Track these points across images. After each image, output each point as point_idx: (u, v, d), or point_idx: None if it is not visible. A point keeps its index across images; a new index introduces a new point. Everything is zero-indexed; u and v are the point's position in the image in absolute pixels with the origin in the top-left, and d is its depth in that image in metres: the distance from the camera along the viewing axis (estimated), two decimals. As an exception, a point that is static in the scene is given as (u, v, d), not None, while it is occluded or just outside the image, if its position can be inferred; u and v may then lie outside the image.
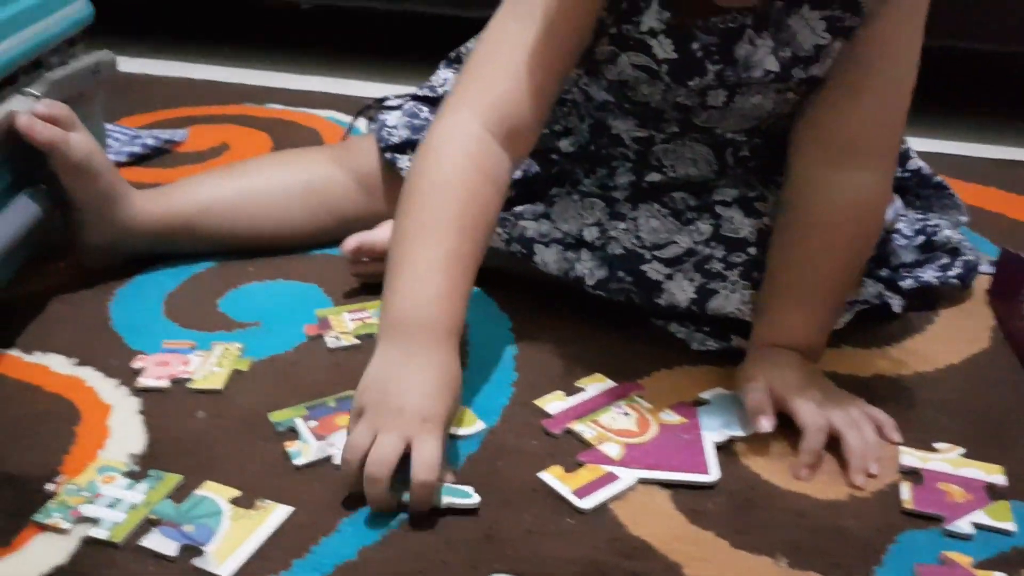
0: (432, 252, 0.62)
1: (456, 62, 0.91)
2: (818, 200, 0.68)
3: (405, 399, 0.57)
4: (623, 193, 0.77)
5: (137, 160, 1.07)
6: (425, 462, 0.55)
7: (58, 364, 0.71)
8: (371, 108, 0.93)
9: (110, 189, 0.78)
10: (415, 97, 0.91)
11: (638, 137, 0.76)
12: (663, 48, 0.69)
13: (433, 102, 0.89)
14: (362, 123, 0.98)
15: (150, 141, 1.10)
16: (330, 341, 0.74)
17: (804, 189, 0.69)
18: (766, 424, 0.62)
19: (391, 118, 0.88)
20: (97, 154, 0.77)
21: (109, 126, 1.04)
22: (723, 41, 0.68)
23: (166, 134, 1.12)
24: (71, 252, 0.83)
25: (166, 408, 0.66)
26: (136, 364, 0.71)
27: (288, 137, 1.15)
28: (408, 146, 0.86)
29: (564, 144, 0.81)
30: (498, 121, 0.66)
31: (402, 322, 0.61)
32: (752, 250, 0.72)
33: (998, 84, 1.39)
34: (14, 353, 0.73)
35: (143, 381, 0.69)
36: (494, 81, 0.67)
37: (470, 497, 0.57)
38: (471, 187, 0.64)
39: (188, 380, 0.69)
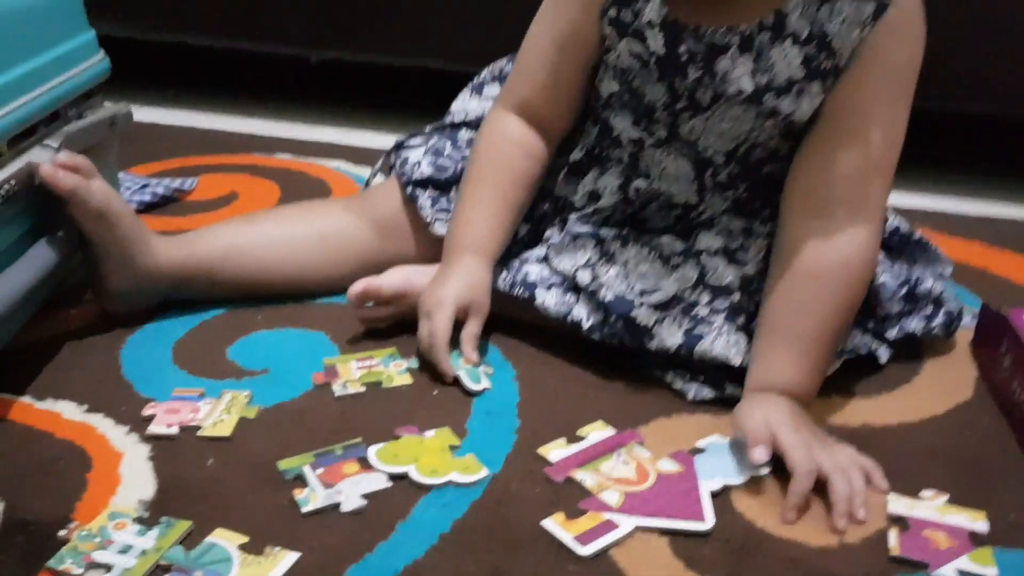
0: (478, 196, 0.82)
1: (479, 89, 0.96)
2: (808, 251, 0.72)
3: (433, 296, 0.78)
4: (611, 200, 0.82)
5: (147, 208, 1.10)
6: (431, 329, 0.77)
7: (70, 411, 0.73)
8: (388, 155, 0.96)
9: (131, 234, 0.81)
10: (438, 128, 0.94)
11: (633, 138, 0.81)
12: (656, 41, 0.75)
13: (455, 128, 0.94)
14: (377, 178, 1.01)
15: (160, 190, 1.13)
16: (337, 389, 0.76)
17: (795, 240, 0.73)
18: (762, 454, 0.64)
19: (413, 155, 0.92)
20: (116, 200, 0.80)
21: (120, 174, 1.07)
22: (708, 52, 0.74)
23: (176, 182, 1.15)
24: (95, 297, 0.85)
25: (176, 455, 0.68)
26: (147, 412, 0.73)
27: (296, 187, 1.18)
28: (429, 183, 0.89)
29: (575, 154, 0.86)
30: (529, 116, 0.83)
31: (449, 247, 0.82)
32: (736, 296, 0.76)
33: (983, 144, 1.43)
34: (26, 399, 0.75)
35: (154, 428, 0.71)
36: (523, 84, 0.83)
37: (479, 383, 0.76)
38: (511, 156, 0.83)
39: (198, 428, 0.71)
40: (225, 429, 0.71)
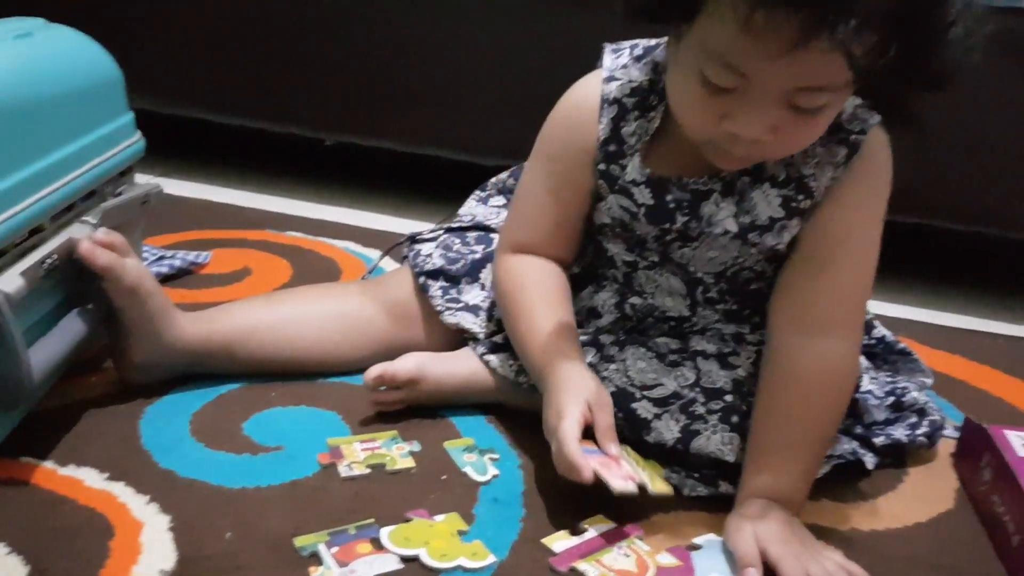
0: (537, 319, 0.82)
1: (485, 201, 1.02)
2: (792, 365, 0.76)
3: (551, 412, 0.76)
4: (610, 318, 0.87)
5: (163, 280, 1.13)
6: (560, 442, 0.72)
7: (91, 478, 0.76)
8: (400, 245, 1.01)
9: (158, 309, 0.85)
10: (448, 229, 1.00)
11: (627, 260, 0.85)
12: (643, 195, 0.80)
13: (464, 231, 0.99)
14: (385, 261, 1.06)
15: (176, 262, 1.17)
16: (343, 470, 0.79)
17: (780, 355, 0.78)
18: (754, 575, 0.68)
19: (426, 248, 0.97)
20: (147, 278, 0.84)
21: (140, 246, 1.11)
22: (693, 199, 0.79)
23: (191, 255, 1.19)
24: (117, 367, 0.88)
25: (195, 527, 0.71)
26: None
27: (307, 265, 1.22)
28: (440, 274, 0.94)
29: (572, 269, 0.90)
30: (535, 254, 0.85)
31: (541, 374, 0.80)
32: (728, 397, 0.80)
33: (967, 260, 1.50)
34: (49, 465, 0.77)
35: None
36: (524, 231, 0.86)
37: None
38: (542, 277, 0.85)
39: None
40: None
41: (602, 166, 0.81)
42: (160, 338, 0.85)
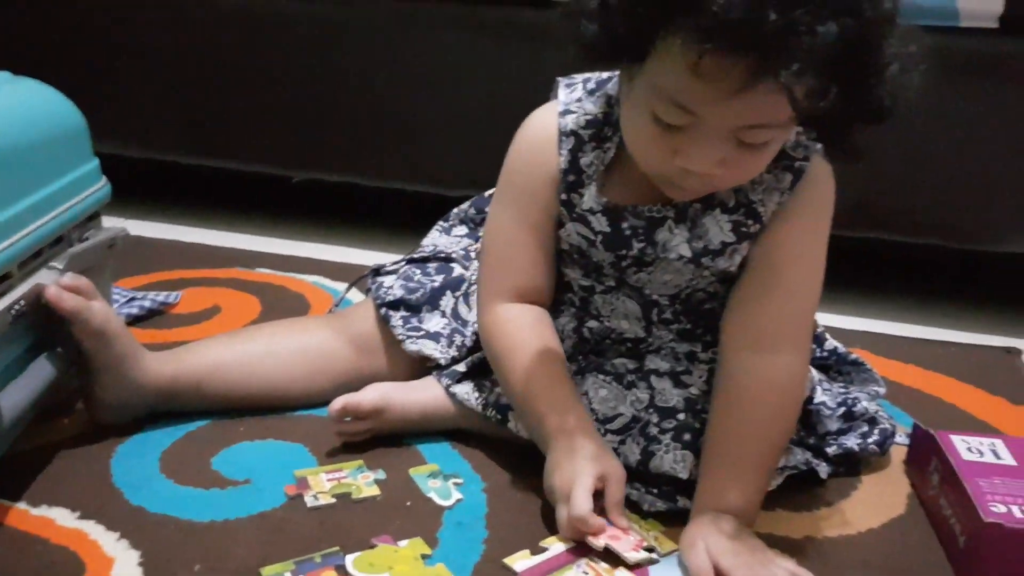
0: (540, 381, 0.83)
1: (448, 231, 1.05)
2: (743, 381, 0.79)
3: (555, 481, 0.76)
4: (570, 342, 0.90)
5: (134, 321, 1.16)
6: (573, 506, 0.73)
7: (63, 518, 0.77)
8: (365, 277, 1.04)
9: (126, 351, 0.87)
10: (409, 260, 1.02)
11: (583, 286, 0.88)
12: (600, 223, 0.83)
13: (425, 261, 1.02)
14: (352, 293, 1.08)
15: (147, 303, 1.19)
16: (309, 500, 0.81)
17: (731, 371, 0.80)
18: None
19: (388, 280, 0.99)
20: (114, 320, 0.86)
21: (110, 288, 1.13)
22: (648, 226, 0.82)
23: (161, 296, 1.21)
24: (87, 408, 0.90)
25: (166, 560, 0.73)
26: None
27: (276, 301, 1.25)
28: (401, 304, 0.97)
29: None
30: (519, 296, 0.87)
31: (546, 440, 0.80)
32: (681, 416, 0.83)
33: (920, 271, 1.54)
34: (22, 506, 0.79)
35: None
36: (506, 274, 0.87)
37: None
38: (536, 333, 0.86)
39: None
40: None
41: (563, 195, 0.84)
42: (129, 378, 0.87)
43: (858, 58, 0.65)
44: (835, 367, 0.99)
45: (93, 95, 1.49)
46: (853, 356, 0.99)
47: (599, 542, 0.74)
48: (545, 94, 0.89)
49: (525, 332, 0.86)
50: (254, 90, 1.49)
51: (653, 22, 0.66)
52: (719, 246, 0.82)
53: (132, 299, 1.19)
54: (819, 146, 0.81)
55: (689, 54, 0.64)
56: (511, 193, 0.87)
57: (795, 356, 0.81)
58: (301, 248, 1.50)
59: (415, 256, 1.03)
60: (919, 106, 1.24)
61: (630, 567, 0.73)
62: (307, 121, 1.48)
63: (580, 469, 0.75)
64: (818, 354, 0.97)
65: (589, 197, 0.83)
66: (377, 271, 1.03)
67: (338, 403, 0.87)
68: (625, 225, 0.83)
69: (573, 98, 0.85)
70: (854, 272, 1.49)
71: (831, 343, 0.99)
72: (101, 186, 0.99)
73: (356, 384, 0.92)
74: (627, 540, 0.75)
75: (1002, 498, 0.76)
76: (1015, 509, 0.74)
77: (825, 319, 1.22)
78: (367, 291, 1.03)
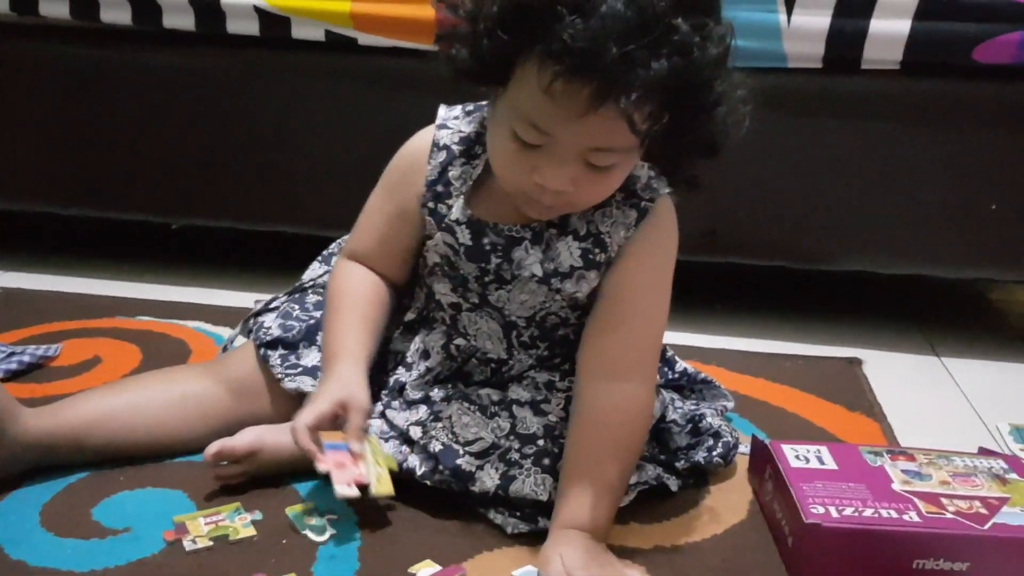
0: (341, 318, 0.94)
1: (327, 260, 1.10)
2: (595, 408, 0.87)
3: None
4: (438, 359, 0.96)
5: (13, 376, 1.16)
6: (293, 428, 0.85)
7: (-58, 576, 0.79)
8: (250, 318, 1.08)
9: (3, 410, 0.88)
10: (289, 292, 1.07)
11: (451, 303, 0.95)
12: (464, 235, 0.90)
13: (304, 292, 1.07)
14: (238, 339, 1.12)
15: (26, 357, 1.19)
16: (188, 544, 0.84)
17: (585, 399, 0.88)
18: None
19: (268, 319, 1.03)
20: (-13, 382, 0.88)
21: (-14, 345, 1.14)
22: (507, 243, 0.90)
23: (40, 349, 1.22)
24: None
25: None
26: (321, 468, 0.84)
27: (157, 349, 1.27)
28: (279, 343, 1.00)
29: (409, 315, 1.00)
30: (368, 267, 0.96)
31: (324, 366, 0.92)
32: (540, 442, 0.90)
33: (767, 291, 1.65)
34: (-101, 569, 0.80)
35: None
36: (361, 243, 0.97)
37: (323, 534, 0.83)
38: (363, 285, 0.96)
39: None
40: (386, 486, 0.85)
41: (431, 204, 0.91)
42: (7, 437, 0.89)
43: (688, 93, 0.75)
44: (687, 387, 1.07)
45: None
46: (703, 375, 1.07)
47: (322, 466, 0.83)
48: (408, 134, 0.95)
49: (355, 283, 0.96)
50: (130, 139, 1.51)
51: (514, 48, 0.75)
52: (568, 269, 0.89)
53: (11, 354, 1.20)
54: (666, 190, 0.90)
55: (543, 77, 0.73)
56: (384, 189, 0.96)
57: (642, 385, 0.89)
58: (182, 293, 1.52)
59: (295, 288, 1.07)
60: (757, 140, 1.37)
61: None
62: (183, 168, 1.51)
63: (322, 392, 0.87)
64: (670, 376, 1.05)
65: (456, 209, 0.90)
66: (258, 312, 1.06)
67: (212, 448, 0.91)
68: (486, 240, 0.90)
69: (451, 116, 0.93)
70: (709, 293, 1.60)
71: (681, 365, 1.07)
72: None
73: (237, 428, 0.95)
74: (348, 472, 0.83)
75: (822, 500, 0.85)
76: (832, 510, 0.83)
77: (682, 338, 1.32)
78: (248, 331, 1.07)
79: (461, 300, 0.95)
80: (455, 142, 0.92)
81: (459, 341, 0.96)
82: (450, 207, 0.91)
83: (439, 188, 0.91)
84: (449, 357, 0.97)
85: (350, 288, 0.96)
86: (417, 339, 0.99)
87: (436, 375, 0.96)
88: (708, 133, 0.79)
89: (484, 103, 0.93)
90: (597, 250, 0.89)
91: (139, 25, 1.42)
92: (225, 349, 1.12)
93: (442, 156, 0.91)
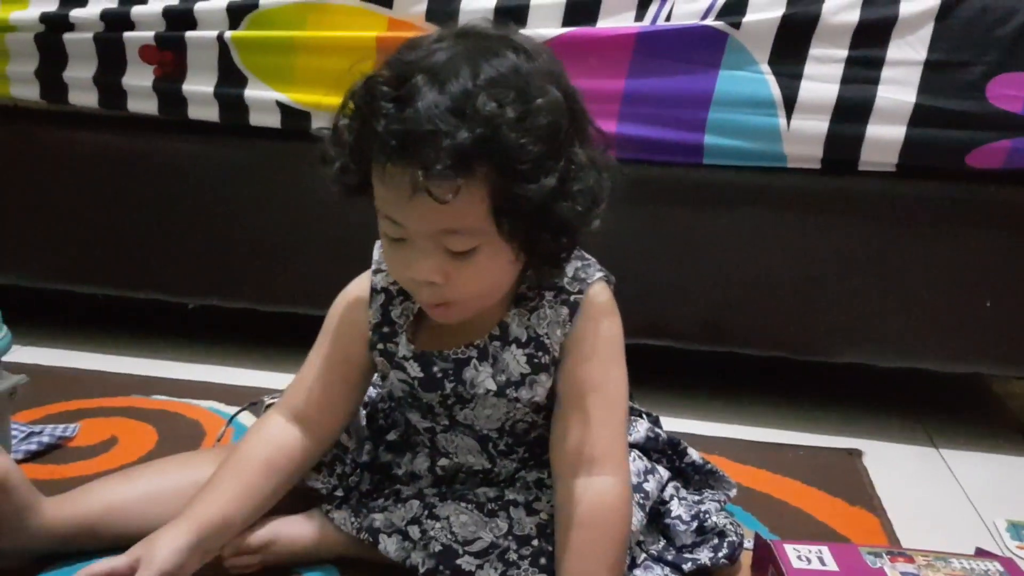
0: (217, 477, 0.92)
1: None
2: (570, 504, 0.88)
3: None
4: (427, 480, 0.99)
5: (31, 457, 1.19)
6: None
7: (-37, 665, 0.81)
8: (251, 406, 1.11)
9: (24, 501, 0.91)
10: None
11: (426, 427, 0.98)
12: (414, 369, 0.94)
13: None
14: (247, 419, 1.14)
15: (45, 438, 1.22)
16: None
17: (562, 497, 0.90)
18: None
19: None
20: (14, 472, 0.90)
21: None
22: (456, 367, 0.93)
23: (59, 429, 1.25)
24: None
25: None
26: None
27: (172, 429, 1.29)
28: None
29: (391, 436, 1.03)
30: (295, 417, 0.96)
31: None
32: (535, 542, 0.92)
33: (772, 381, 1.67)
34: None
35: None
36: (298, 396, 0.97)
37: None
38: (263, 451, 0.94)
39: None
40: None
41: (380, 346, 0.95)
42: (26, 526, 0.91)
43: (502, 163, 0.77)
44: (691, 475, 1.10)
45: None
46: (709, 466, 1.09)
47: None
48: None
49: (255, 446, 0.95)
50: (151, 222, 1.55)
51: (365, 152, 0.81)
52: (519, 378, 0.92)
53: (31, 434, 1.22)
54: (595, 277, 0.92)
55: (378, 170, 0.79)
56: (324, 335, 0.98)
57: (613, 475, 0.89)
58: (197, 371, 1.55)
59: None
60: (758, 235, 1.41)
61: None
62: (203, 250, 1.55)
63: (128, 552, 0.86)
64: (677, 464, 1.07)
65: (402, 346, 0.94)
66: (266, 402, 1.09)
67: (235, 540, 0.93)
68: (435, 369, 0.93)
69: (383, 257, 0.95)
70: (713, 381, 1.62)
71: (691, 456, 1.08)
72: (2, 336, 1.04)
73: (250, 516, 0.98)
74: None
75: (823, 602, 0.87)
76: (832, 612, 0.85)
77: (685, 426, 1.35)
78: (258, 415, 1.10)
79: (433, 424, 0.98)
80: (391, 282, 0.95)
81: (443, 462, 0.99)
82: (397, 345, 0.95)
83: (385, 329, 0.95)
84: (437, 477, 1.00)
85: (251, 449, 0.95)
86: (404, 460, 1.02)
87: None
88: (548, 209, 0.80)
89: None
90: (541, 353, 0.92)
91: (165, 116, 1.48)
92: (222, 435, 1.14)
93: (381, 298, 0.95)
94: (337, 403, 0.98)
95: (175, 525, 0.87)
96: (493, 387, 0.92)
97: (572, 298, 0.92)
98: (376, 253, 0.98)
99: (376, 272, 0.97)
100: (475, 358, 0.93)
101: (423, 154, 0.75)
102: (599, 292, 0.93)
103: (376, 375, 1.00)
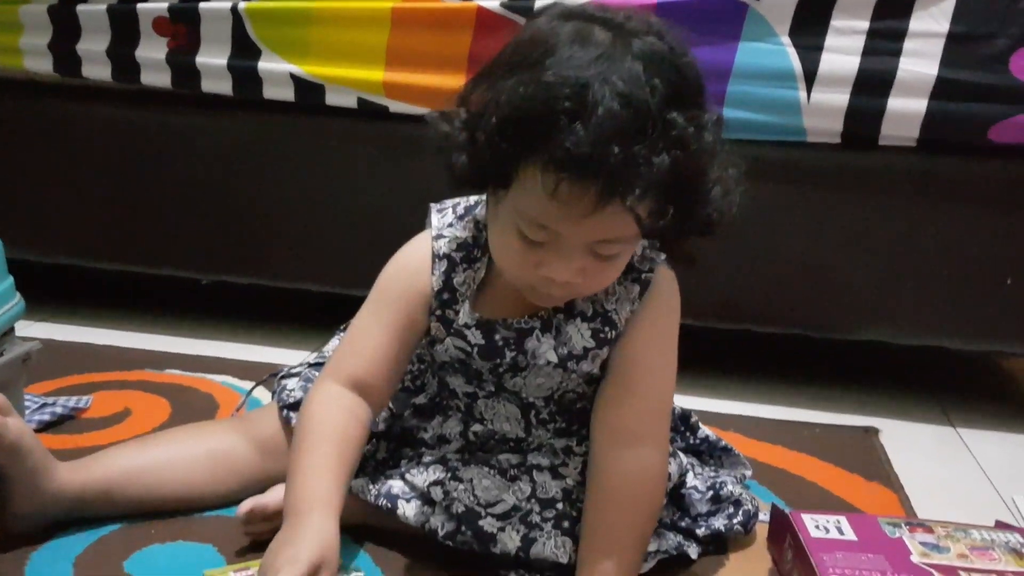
0: (317, 459, 0.87)
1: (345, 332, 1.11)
2: (611, 475, 0.89)
3: (283, 556, 0.78)
4: (457, 444, 0.97)
5: (45, 427, 1.19)
6: None
7: (-23, 627, 0.81)
8: (269, 379, 1.10)
9: (38, 465, 0.91)
10: (310, 364, 1.09)
11: (467, 392, 0.97)
12: (475, 336, 0.92)
13: (326, 361, 1.06)
14: (261, 393, 1.14)
15: (58, 409, 1.22)
16: (218, 599, 0.86)
17: (601, 466, 0.90)
18: None
19: (290, 383, 1.06)
20: (28, 435, 0.90)
21: (20, 395, 1.16)
22: (518, 336, 0.92)
23: (72, 401, 1.25)
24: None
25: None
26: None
27: (186, 403, 1.29)
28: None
29: (419, 399, 1.02)
30: (354, 386, 0.92)
31: (293, 508, 0.84)
32: (560, 505, 0.92)
33: (788, 358, 1.67)
34: (-65, 618, 0.82)
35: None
36: (355, 363, 0.93)
37: None
38: (344, 423, 0.90)
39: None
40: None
41: (439, 312, 0.94)
42: (41, 490, 0.91)
43: (687, 183, 0.78)
44: (707, 452, 1.09)
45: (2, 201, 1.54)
46: (723, 443, 1.09)
47: None
48: (435, 198, 0.99)
49: (329, 417, 0.90)
50: (164, 197, 1.55)
51: (515, 155, 0.78)
52: (581, 351, 0.92)
53: (44, 405, 1.22)
54: (662, 257, 0.93)
55: (547, 182, 0.76)
56: (381, 301, 0.95)
57: (655, 450, 0.91)
58: (210, 347, 1.55)
59: (314, 361, 1.10)
60: (776, 211, 1.40)
61: None
62: (214, 225, 1.55)
63: (300, 553, 0.78)
64: (692, 441, 1.07)
65: (464, 313, 0.93)
66: (280, 375, 1.09)
67: (246, 505, 0.93)
68: (498, 337, 0.93)
69: (445, 223, 0.96)
70: (729, 359, 1.61)
71: (703, 431, 1.09)
72: (15, 303, 1.04)
73: (263, 485, 0.98)
74: None
75: (842, 571, 0.86)
76: (852, 580, 0.85)
77: (700, 404, 1.34)
78: (273, 393, 1.10)
79: (477, 390, 0.97)
80: (454, 249, 0.94)
81: (476, 427, 0.98)
82: (457, 312, 0.93)
83: (445, 296, 0.93)
84: (468, 443, 0.99)
85: (329, 420, 0.90)
86: (434, 423, 1.01)
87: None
88: (705, 215, 0.82)
89: (472, 203, 0.97)
90: (607, 328, 0.91)
91: (178, 89, 1.47)
92: (240, 408, 1.14)
93: (444, 265, 0.94)
94: (397, 369, 0.95)
95: (323, 516, 0.82)
96: (555, 359, 0.92)
97: (643, 276, 0.92)
98: (435, 218, 0.96)
99: (438, 238, 0.95)
100: (538, 329, 0.92)
101: (612, 179, 0.73)
102: (666, 272, 0.93)
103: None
